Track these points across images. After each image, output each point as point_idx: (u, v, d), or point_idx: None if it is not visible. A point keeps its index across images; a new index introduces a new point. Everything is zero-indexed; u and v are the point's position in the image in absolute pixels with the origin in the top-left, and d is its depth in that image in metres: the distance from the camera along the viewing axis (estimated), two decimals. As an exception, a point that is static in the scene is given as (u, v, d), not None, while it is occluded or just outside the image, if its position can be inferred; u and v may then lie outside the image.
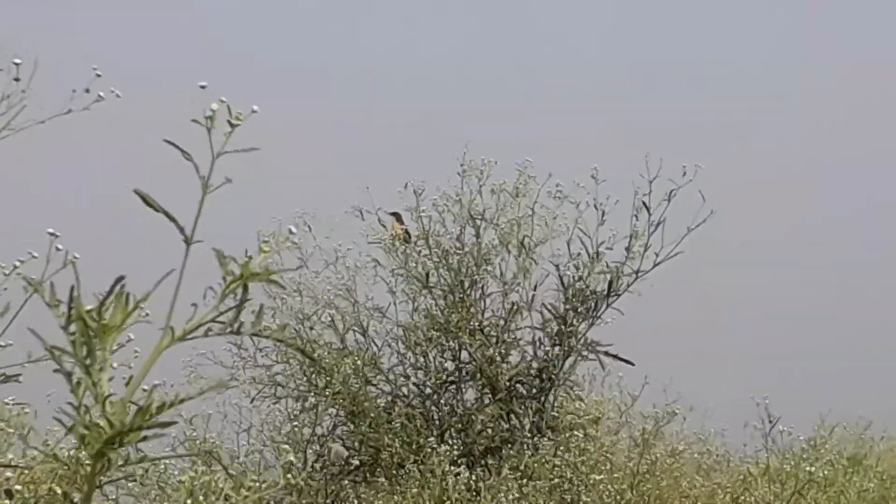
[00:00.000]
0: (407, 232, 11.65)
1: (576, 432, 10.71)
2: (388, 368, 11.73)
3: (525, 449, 10.88)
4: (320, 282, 11.81)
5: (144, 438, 3.15)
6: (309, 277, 11.77)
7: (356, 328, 11.73)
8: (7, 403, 4.25)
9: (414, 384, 11.70)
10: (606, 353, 11.48)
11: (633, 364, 11.55)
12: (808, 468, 9.85)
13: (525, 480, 10.26)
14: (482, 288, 11.69)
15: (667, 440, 11.55)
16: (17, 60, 4.09)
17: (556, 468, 10.48)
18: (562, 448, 10.62)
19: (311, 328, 11.67)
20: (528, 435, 11.13)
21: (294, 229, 3.28)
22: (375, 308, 11.75)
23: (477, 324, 11.52)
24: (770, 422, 10.16)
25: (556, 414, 11.35)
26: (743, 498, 10.15)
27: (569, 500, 10.26)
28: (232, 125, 3.11)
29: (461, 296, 11.57)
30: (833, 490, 10.18)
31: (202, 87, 3.10)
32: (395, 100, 17.34)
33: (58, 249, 3.64)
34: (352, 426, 11.47)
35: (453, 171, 11.63)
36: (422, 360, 11.71)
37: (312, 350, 11.49)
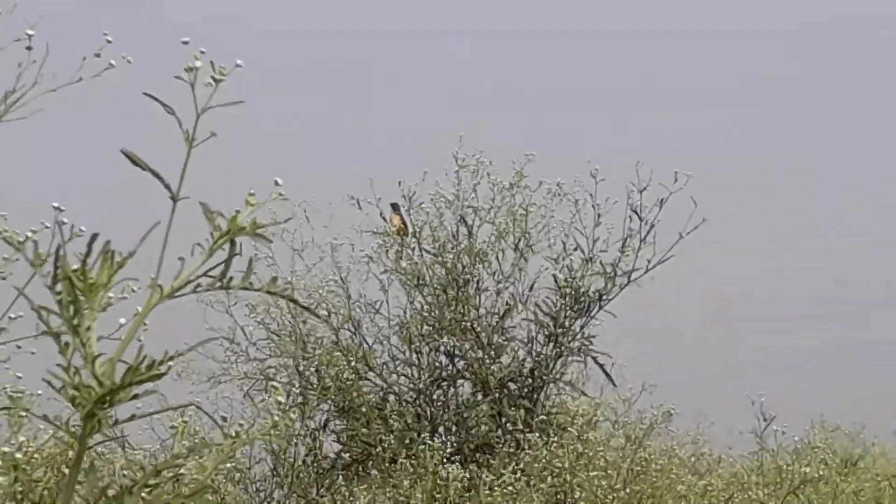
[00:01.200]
0: (404, 223, 11.60)
1: (570, 429, 10.62)
2: (381, 364, 11.68)
3: (517, 447, 10.83)
4: (313, 276, 11.75)
5: (136, 396, 3.10)
6: (302, 271, 11.73)
7: (349, 324, 11.68)
8: (5, 388, 4.18)
9: (406, 378, 11.65)
10: (595, 361, 11.45)
11: (615, 384, 11.52)
12: (803, 468, 9.80)
13: (518, 476, 10.20)
14: (477, 284, 11.64)
15: (661, 440, 11.51)
16: (31, 31, 4.05)
17: (549, 466, 10.41)
18: (553, 446, 10.54)
19: (304, 322, 11.61)
20: (519, 433, 11.08)
21: (280, 180, 3.24)
22: (369, 304, 11.70)
23: (469, 323, 11.46)
24: (765, 420, 10.12)
25: (548, 414, 11.29)
26: (738, 497, 10.09)
27: (562, 497, 10.20)
28: (216, 80, 3.07)
29: (455, 293, 11.52)
30: (827, 490, 10.14)
31: (184, 42, 3.06)
32: (392, 95, 17.32)
33: (62, 223, 3.58)
34: (344, 421, 11.42)
35: (451, 167, 11.61)
36: (415, 356, 11.66)
37: (304, 345, 11.45)
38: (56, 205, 3.51)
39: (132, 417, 3.30)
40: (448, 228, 11.67)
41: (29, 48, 4.15)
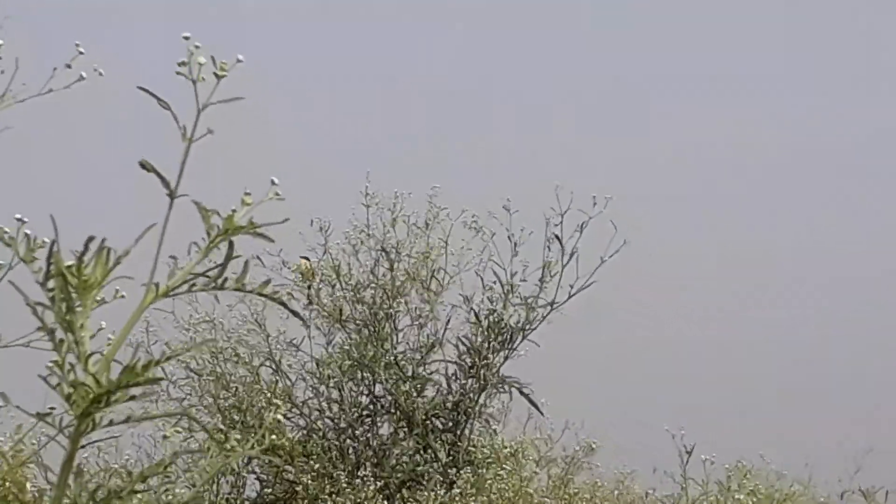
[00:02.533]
0: (311, 268, 11.55)
1: (499, 465, 10.64)
2: (301, 402, 11.60)
3: (441, 483, 10.82)
4: (233, 316, 11.66)
5: (133, 398, 3.06)
6: (222, 311, 11.62)
7: (269, 362, 11.59)
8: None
9: (328, 418, 11.57)
10: (520, 392, 11.47)
11: (542, 413, 11.55)
12: (738, 496, 9.87)
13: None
14: (394, 322, 11.64)
15: (583, 476, 11.57)
16: None
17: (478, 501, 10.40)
18: (478, 483, 10.55)
19: (226, 361, 11.51)
20: (444, 469, 11.07)
21: (276, 180, 3.23)
22: (289, 343, 11.63)
23: (392, 358, 11.46)
24: (687, 452, 10.16)
25: (473, 448, 11.29)
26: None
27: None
28: (217, 76, 3.06)
29: (375, 329, 11.51)
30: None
31: (185, 38, 3.04)
32: (301, 123, 17.26)
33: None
34: (267, 459, 11.29)
35: (360, 203, 11.61)
36: (336, 393, 11.61)
37: (227, 383, 11.35)
38: (18, 216, 3.47)
39: (127, 419, 3.26)
40: (365, 265, 11.68)
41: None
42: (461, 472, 10.72)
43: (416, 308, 11.64)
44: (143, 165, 3.02)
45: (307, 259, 11.57)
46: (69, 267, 3.05)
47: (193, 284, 3.11)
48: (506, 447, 11.30)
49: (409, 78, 17.88)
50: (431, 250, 11.57)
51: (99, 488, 3.15)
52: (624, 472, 11.75)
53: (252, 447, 3.95)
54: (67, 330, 3.03)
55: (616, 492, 11.55)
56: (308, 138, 17.06)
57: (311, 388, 11.63)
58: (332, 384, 11.60)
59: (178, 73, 3.02)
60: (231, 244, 3.15)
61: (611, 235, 10.74)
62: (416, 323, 11.63)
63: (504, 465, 10.77)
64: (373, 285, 11.57)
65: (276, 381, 11.41)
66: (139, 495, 3.25)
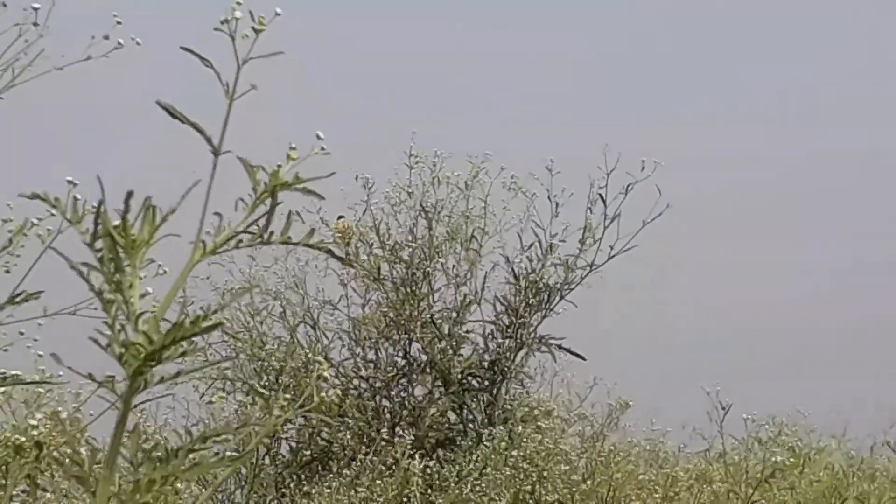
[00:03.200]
0: (347, 228, 11.52)
1: (537, 423, 10.66)
2: (338, 362, 11.61)
3: (478, 441, 10.83)
4: (270, 275, 11.67)
5: (184, 353, 3.06)
6: (258, 271, 11.63)
7: (307, 321, 11.61)
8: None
9: (363, 378, 11.59)
10: (559, 347, 11.46)
11: (584, 359, 11.54)
12: (775, 457, 9.85)
13: (481, 471, 10.21)
14: (431, 281, 11.63)
15: (616, 435, 11.56)
16: (36, 5, 4.00)
17: (511, 459, 10.41)
18: (516, 440, 10.56)
19: (262, 322, 11.54)
20: (481, 427, 11.09)
21: (322, 134, 3.19)
22: (326, 301, 11.66)
23: (429, 316, 11.46)
24: (722, 409, 10.11)
25: (509, 406, 11.30)
26: (702, 488, 10.12)
27: (527, 489, 10.20)
28: (256, 31, 3.03)
29: (412, 289, 11.51)
30: (789, 481, 10.18)
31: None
32: (345, 91, 17.23)
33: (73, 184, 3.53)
34: (302, 420, 11.32)
35: (402, 163, 11.59)
36: (372, 353, 11.63)
37: (263, 344, 11.38)
38: (70, 178, 3.46)
39: (177, 374, 3.26)
40: (404, 225, 11.67)
41: (35, 24, 4.10)
42: (495, 429, 10.71)
43: (453, 267, 11.63)
44: (166, 108, 3.00)
45: (343, 217, 11.56)
46: (116, 227, 3.04)
47: (240, 240, 3.10)
48: (540, 406, 11.30)
49: (451, 40, 17.85)
50: (471, 210, 11.55)
51: (156, 446, 3.14)
52: (656, 431, 11.77)
53: (302, 406, 3.94)
54: (116, 290, 3.02)
55: (649, 449, 11.55)
56: (350, 97, 17.03)
57: (347, 348, 11.66)
58: (368, 344, 11.61)
59: (216, 29, 2.99)
60: (275, 198, 3.13)
61: (655, 199, 10.68)
62: (454, 282, 11.61)
63: (539, 423, 10.76)
64: (411, 245, 11.55)
65: (316, 341, 11.44)
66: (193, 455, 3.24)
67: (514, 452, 10.31)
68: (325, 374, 3.79)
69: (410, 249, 11.55)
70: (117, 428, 3.08)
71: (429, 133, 11.86)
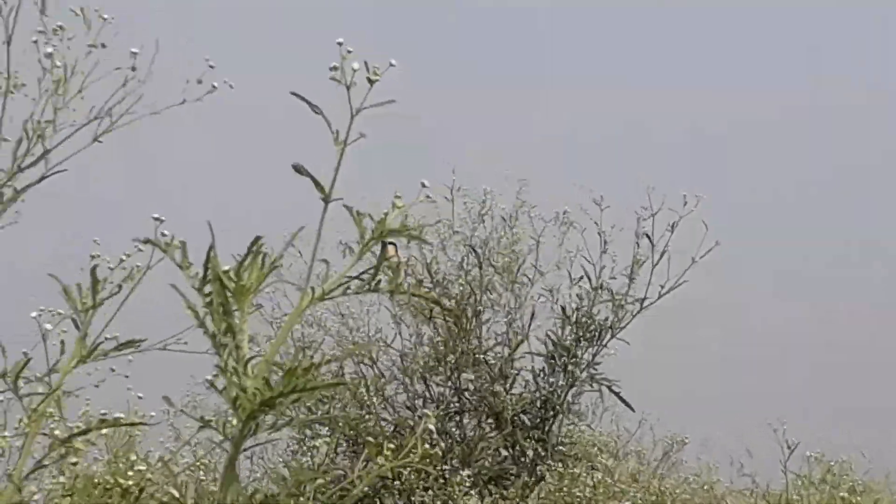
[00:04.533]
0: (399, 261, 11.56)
1: (590, 461, 10.67)
2: (388, 397, 11.66)
3: (533, 478, 10.86)
4: (320, 311, 11.72)
5: (298, 400, 3.10)
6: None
7: (361, 357, 11.65)
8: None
9: (417, 415, 11.61)
10: (610, 389, 11.46)
11: (633, 409, 11.56)
12: (842, 494, 9.80)
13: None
14: (481, 317, 11.67)
15: (669, 470, 11.59)
16: (135, 50, 4.07)
17: (566, 497, 10.42)
18: (569, 478, 10.57)
19: (312, 356, 11.58)
20: (532, 464, 11.11)
21: (427, 182, 3.24)
22: (379, 339, 11.71)
23: (481, 355, 11.50)
24: (788, 449, 10.07)
25: (562, 444, 11.31)
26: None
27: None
28: (370, 81, 3.08)
29: (462, 324, 11.54)
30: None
31: (339, 43, 3.06)
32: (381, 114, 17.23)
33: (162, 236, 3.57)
34: (353, 455, 11.36)
35: (445, 197, 11.63)
36: (423, 389, 11.66)
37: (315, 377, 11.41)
38: (156, 216, 3.51)
39: (290, 421, 3.30)
40: (453, 259, 11.72)
41: (133, 69, 4.17)
42: (551, 466, 10.73)
43: (504, 304, 11.67)
44: (297, 169, 3.06)
45: (394, 244, 11.56)
46: (226, 271, 3.09)
47: (348, 287, 3.15)
48: (594, 443, 11.33)
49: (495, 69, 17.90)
50: (518, 244, 11.61)
51: (256, 493, 3.19)
52: (708, 466, 11.77)
53: (406, 456, 3.99)
54: (226, 334, 3.07)
55: (705, 486, 11.54)
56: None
57: (399, 384, 11.69)
58: (418, 379, 11.66)
59: (331, 78, 3.05)
60: (384, 247, 3.18)
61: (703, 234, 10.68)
62: (506, 319, 11.65)
63: (597, 461, 10.79)
64: (460, 281, 11.59)
65: (378, 379, 11.49)
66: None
67: (573, 490, 10.31)
68: (432, 426, 3.84)
69: (460, 286, 11.59)
70: (226, 471, 3.13)
71: (471, 166, 11.93)
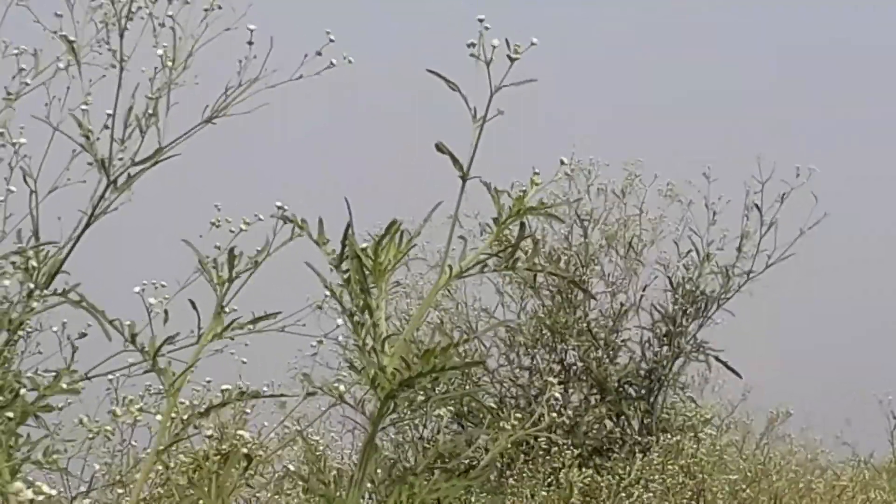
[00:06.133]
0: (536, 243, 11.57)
1: (702, 432, 10.63)
2: (493, 369, 11.67)
3: (639, 449, 10.81)
4: (424, 284, 11.73)
5: (436, 380, 3.10)
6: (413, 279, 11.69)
7: (462, 329, 11.66)
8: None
9: (519, 385, 11.62)
10: (717, 359, 11.38)
11: (740, 376, 11.47)
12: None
13: (647, 479, 10.18)
14: (589, 288, 11.62)
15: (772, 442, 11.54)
16: (252, 26, 4.07)
17: (669, 470, 10.37)
18: (674, 451, 10.53)
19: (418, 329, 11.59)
20: (638, 437, 11.07)
21: (566, 159, 3.20)
22: (483, 309, 11.71)
23: (585, 325, 11.47)
24: (895, 418, 9.96)
25: (668, 415, 11.26)
26: (870, 496, 9.97)
27: (695, 499, 10.15)
28: (511, 59, 3.05)
29: (568, 296, 11.52)
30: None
31: (480, 20, 3.03)
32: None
33: (285, 220, 3.58)
34: (458, 427, 11.37)
35: (556, 169, 11.56)
36: (527, 360, 11.66)
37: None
38: (279, 204, 3.51)
39: (427, 399, 3.30)
40: (559, 232, 11.68)
41: (250, 43, 4.17)
42: (660, 438, 10.69)
43: (609, 275, 11.63)
44: (439, 148, 3.04)
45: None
46: (364, 249, 3.09)
47: (485, 265, 3.13)
48: (698, 415, 11.28)
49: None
50: (628, 218, 11.57)
51: (395, 464, 3.19)
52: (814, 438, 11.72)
53: (534, 425, 3.98)
54: (364, 312, 3.07)
55: (809, 456, 11.48)
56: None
57: (503, 356, 11.69)
58: (523, 352, 11.65)
59: (471, 54, 3.03)
60: (522, 225, 3.16)
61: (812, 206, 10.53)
62: (610, 290, 11.62)
63: (704, 431, 10.74)
64: (566, 253, 11.56)
65: (475, 350, 11.48)
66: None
67: (677, 462, 10.27)
68: (557, 394, 3.81)
69: (566, 258, 11.55)
70: (365, 449, 3.14)
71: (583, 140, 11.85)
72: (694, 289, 11.33)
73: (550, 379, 5.81)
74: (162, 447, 3.38)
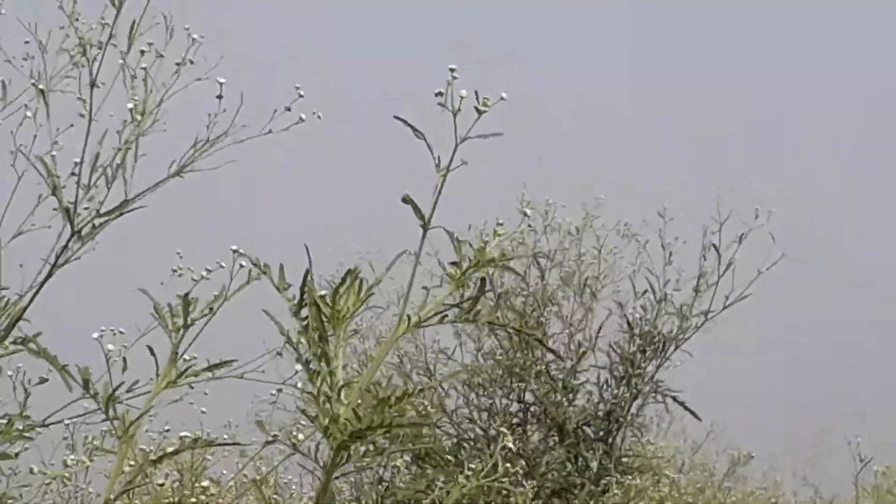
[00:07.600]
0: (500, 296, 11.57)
1: (656, 473, 10.61)
2: (451, 411, 11.63)
3: (593, 492, 10.79)
4: (383, 324, 11.70)
5: (388, 432, 3.08)
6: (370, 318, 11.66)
7: (420, 371, 11.63)
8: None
9: (480, 427, 11.58)
10: (675, 399, 11.39)
11: (699, 418, 11.48)
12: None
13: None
14: (545, 329, 11.63)
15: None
16: (221, 80, 4.07)
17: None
18: (634, 490, 10.53)
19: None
20: (597, 477, 11.05)
21: (529, 211, 3.21)
22: (441, 350, 11.68)
23: (543, 366, 11.46)
24: (861, 461, 9.97)
25: (627, 457, 11.25)
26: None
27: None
28: (479, 111, 3.05)
29: (525, 340, 11.50)
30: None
31: (451, 69, 3.03)
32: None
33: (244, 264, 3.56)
34: (417, 469, 11.32)
35: (514, 211, 11.56)
36: (486, 402, 11.63)
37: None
38: (234, 248, 3.51)
39: (381, 452, 3.28)
40: (516, 273, 11.67)
41: (219, 97, 4.16)
42: (618, 479, 10.68)
43: (567, 316, 11.63)
44: (405, 200, 3.04)
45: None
46: (323, 297, 3.08)
47: (445, 315, 3.12)
48: (657, 455, 11.28)
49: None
50: (584, 257, 11.58)
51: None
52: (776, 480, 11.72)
53: (486, 476, 3.97)
54: (321, 360, 3.05)
55: (772, 499, 11.49)
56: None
57: (461, 397, 11.66)
58: (482, 392, 11.62)
59: (439, 104, 3.02)
60: (484, 277, 3.15)
61: (769, 246, 10.59)
62: (567, 331, 11.61)
63: (662, 473, 10.74)
64: (524, 293, 11.56)
65: (434, 391, 11.44)
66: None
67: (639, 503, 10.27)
68: (510, 444, 3.81)
69: (523, 298, 11.55)
70: (318, 498, 3.12)
71: (537, 182, 11.87)
72: (651, 329, 11.34)
73: (503, 429, 5.78)
74: (113, 496, 3.34)
